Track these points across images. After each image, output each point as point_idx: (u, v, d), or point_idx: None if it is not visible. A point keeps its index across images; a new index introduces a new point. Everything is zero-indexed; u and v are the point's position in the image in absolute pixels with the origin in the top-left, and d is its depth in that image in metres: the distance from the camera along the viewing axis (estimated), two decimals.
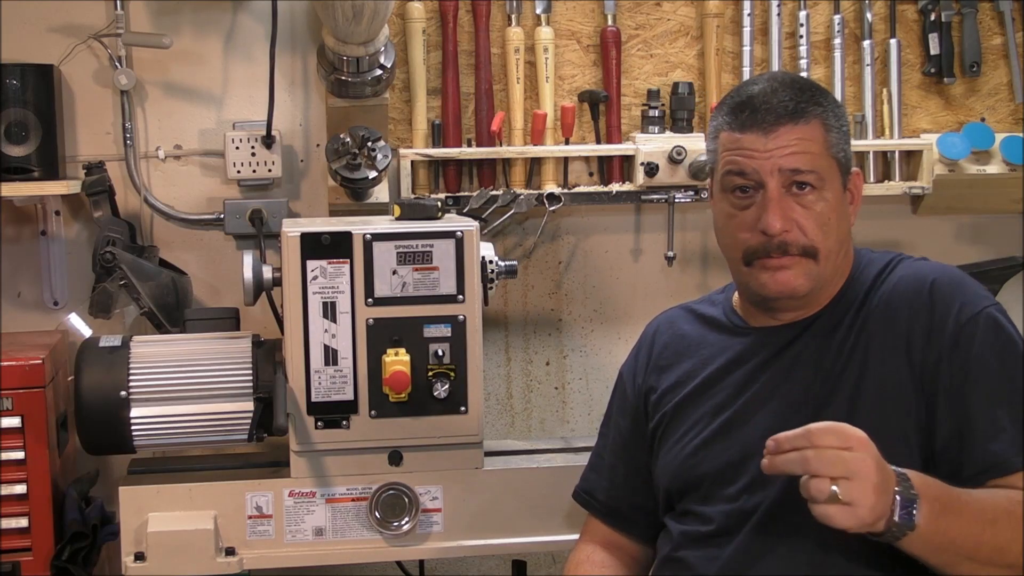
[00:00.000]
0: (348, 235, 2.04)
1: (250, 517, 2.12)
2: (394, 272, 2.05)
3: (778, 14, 2.67)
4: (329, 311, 2.04)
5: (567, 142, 2.63)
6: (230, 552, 2.11)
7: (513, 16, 2.61)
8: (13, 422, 2.20)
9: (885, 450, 1.51)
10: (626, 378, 1.95)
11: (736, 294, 1.86)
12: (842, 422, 1.59)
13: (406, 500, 2.12)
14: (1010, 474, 1.56)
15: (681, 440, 1.80)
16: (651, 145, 2.60)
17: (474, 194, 2.58)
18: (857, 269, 1.77)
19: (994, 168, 2.72)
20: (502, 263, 2.17)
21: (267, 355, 2.13)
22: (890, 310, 1.68)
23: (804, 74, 2.68)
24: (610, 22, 2.65)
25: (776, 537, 1.66)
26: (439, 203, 2.15)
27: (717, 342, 1.83)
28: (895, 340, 1.66)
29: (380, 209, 2.49)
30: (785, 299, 1.72)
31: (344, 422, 2.07)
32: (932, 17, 2.71)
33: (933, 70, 2.74)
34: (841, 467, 1.39)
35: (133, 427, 2.07)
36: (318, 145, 2.62)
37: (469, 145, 2.62)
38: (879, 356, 1.66)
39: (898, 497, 1.43)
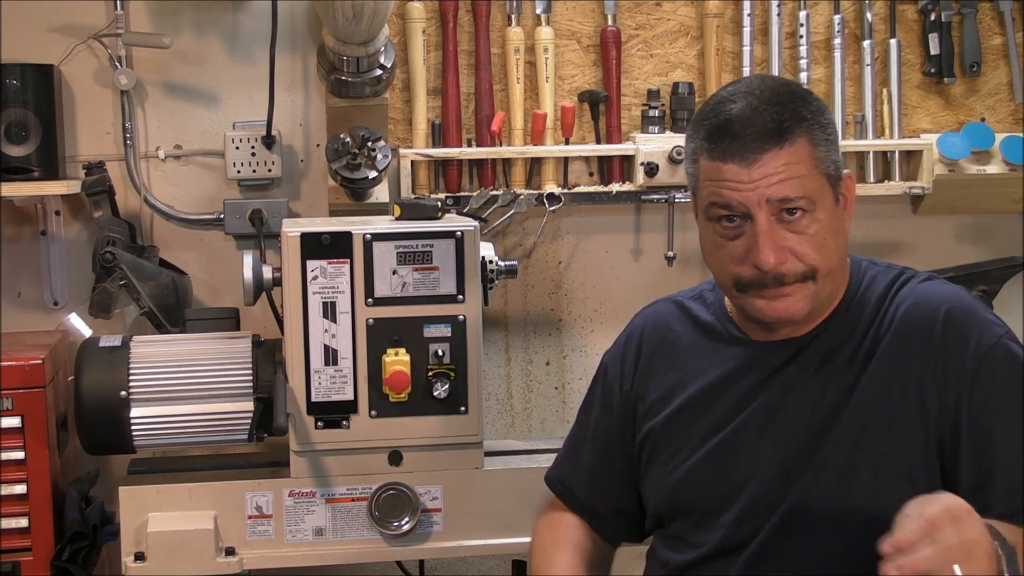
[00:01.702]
0: (348, 235, 2.04)
1: (250, 517, 2.12)
2: (394, 272, 2.05)
3: (778, 14, 2.67)
4: (329, 311, 2.04)
5: (567, 142, 2.63)
6: (230, 552, 2.11)
7: (513, 16, 2.61)
8: (13, 422, 2.20)
9: (888, 485, 1.51)
10: (611, 375, 1.83)
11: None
12: (846, 453, 1.57)
13: (406, 500, 2.12)
14: None
15: (670, 462, 1.71)
16: (651, 145, 2.60)
17: (474, 194, 2.58)
18: (858, 282, 1.68)
19: (994, 168, 2.72)
20: (502, 263, 2.17)
21: (267, 355, 2.13)
22: (900, 341, 1.59)
23: (804, 74, 2.68)
24: (610, 22, 2.65)
25: (775, 566, 1.60)
26: (439, 203, 2.15)
27: (709, 352, 1.73)
28: (905, 374, 1.58)
29: (380, 209, 2.49)
30: (783, 323, 1.63)
31: (344, 422, 2.07)
32: (932, 17, 2.71)
33: (933, 70, 2.74)
34: (962, 551, 1.28)
35: (133, 427, 2.07)
36: (318, 145, 2.62)
37: (469, 145, 2.62)
38: (886, 388, 1.58)
39: (1000, 552, 1.33)
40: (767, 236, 1.55)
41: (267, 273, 2.08)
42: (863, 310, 1.65)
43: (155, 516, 2.10)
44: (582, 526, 1.85)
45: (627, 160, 2.66)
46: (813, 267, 1.58)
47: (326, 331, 2.04)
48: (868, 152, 2.72)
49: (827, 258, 1.59)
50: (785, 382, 1.64)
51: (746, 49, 2.68)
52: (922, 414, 1.56)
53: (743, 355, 1.69)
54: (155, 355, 2.12)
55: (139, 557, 2.08)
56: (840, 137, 1.68)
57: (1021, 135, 2.70)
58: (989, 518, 1.44)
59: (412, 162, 2.57)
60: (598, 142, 2.67)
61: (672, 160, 2.58)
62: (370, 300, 2.05)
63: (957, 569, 1.27)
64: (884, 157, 2.75)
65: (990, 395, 1.54)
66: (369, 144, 2.32)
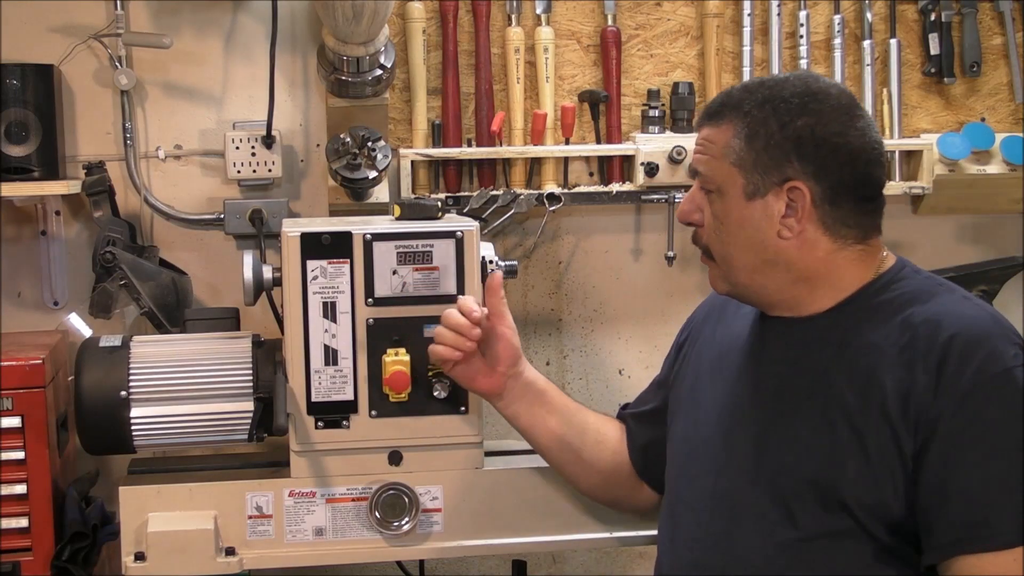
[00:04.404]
0: (348, 235, 2.04)
1: (250, 517, 2.12)
2: (394, 272, 2.05)
3: (778, 14, 2.67)
4: (329, 311, 2.04)
5: (567, 142, 2.63)
6: (230, 552, 2.11)
7: (513, 16, 2.61)
8: (13, 422, 2.19)
9: (860, 476, 1.56)
10: (680, 332, 2.02)
11: None
12: (819, 432, 1.64)
13: (406, 500, 2.12)
14: (985, 549, 1.49)
15: (681, 426, 1.87)
16: (651, 145, 2.61)
17: (474, 194, 2.58)
18: (887, 281, 1.68)
19: (994, 168, 2.72)
20: (502, 263, 2.16)
21: (267, 355, 2.13)
22: (903, 355, 1.58)
23: None
24: (610, 22, 2.65)
25: (744, 529, 1.69)
26: (439, 203, 2.15)
27: (728, 325, 1.87)
28: (900, 378, 1.57)
29: (380, 209, 2.49)
30: (726, 295, 1.79)
31: (344, 422, 2.07)
32: (932, 17, 2.72)
33: (933, 70, 2.74)
34: None
35: (133, 427, 2.07)
36: (318, 145, 2.62)
37: (469, 145, 2.62)
38: (876, 383, 1.59)
39: None
40: (691, 193, 1.76)
41: (267, 273, 2.08)
42: (882, 307, 1.65)
43: (155, 516, 2.09)
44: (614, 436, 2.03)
45: (627, 160, 2.66)
46: (708, 245, 1.73)
47: (326, 331, 2.04)
48: None
49: (724, 245, 1.71)
50: (782, 357, 1.72)
51: (746, 49, 2.68)
52: (905, 430, 1.55)
53: (752, 329, 1.80)
54: (155, 355, 2.12)
55: (139, 557, 2.08)
56: (807, 147, 1.64)
57: (1021, 135, 2.71)
58: (929, 544, 1.54)
59: (412, 162, 2.57)
60: (598, 142, 2.67)
61: (672, 160, 2.59)
62: (370, 300, 2.04)
63: None
64: None
65: (975, 419, 1.52)
66: (369, 144, 2.32)
